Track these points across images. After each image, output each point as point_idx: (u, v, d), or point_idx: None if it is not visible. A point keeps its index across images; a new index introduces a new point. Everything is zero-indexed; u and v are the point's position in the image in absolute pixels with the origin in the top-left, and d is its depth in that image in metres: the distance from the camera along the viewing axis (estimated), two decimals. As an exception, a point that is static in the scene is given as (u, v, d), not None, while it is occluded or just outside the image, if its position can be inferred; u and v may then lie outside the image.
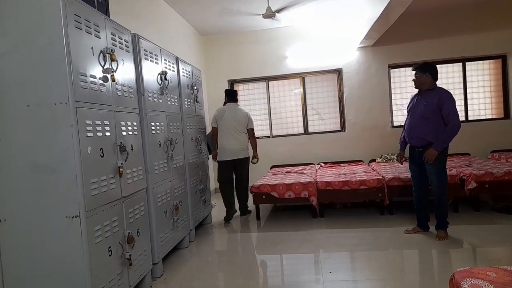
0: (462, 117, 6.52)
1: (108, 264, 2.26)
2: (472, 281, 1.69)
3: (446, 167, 4.81)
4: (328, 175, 5.09)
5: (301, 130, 6.99)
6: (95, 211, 2.15)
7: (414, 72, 3.62)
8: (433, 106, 3.46)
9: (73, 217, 2.01)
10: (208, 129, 5.46)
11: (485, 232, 3.70)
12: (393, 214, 4.51)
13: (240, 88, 7.18)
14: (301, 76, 6.92)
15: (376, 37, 5.93)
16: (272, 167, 6.62)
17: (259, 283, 3.00)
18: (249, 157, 5.00)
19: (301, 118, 7.00)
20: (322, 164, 6.34)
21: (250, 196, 4.90)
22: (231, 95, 5.06)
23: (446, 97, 3.46)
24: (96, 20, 2.32)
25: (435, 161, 3.46)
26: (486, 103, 6.59)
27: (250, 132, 4.95)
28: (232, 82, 7.10)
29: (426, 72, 3.53)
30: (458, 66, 6.57)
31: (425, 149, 3.52)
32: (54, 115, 2.00)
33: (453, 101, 3.46)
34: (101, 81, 2.31)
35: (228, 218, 4.86)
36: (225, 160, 4.84)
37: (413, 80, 3.64)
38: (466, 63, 6.54)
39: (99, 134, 2.24)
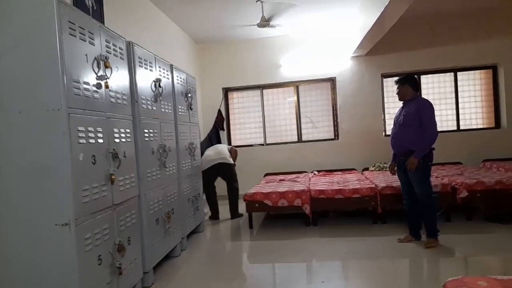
0: (454, 127, 6.62)
1: (97, 273, 2.23)
2: (463, 291, 1.70)
3: (438, 176, 4.89)
4: (322, 183, 5.10)
5: (295, 138, 7.01)
6: (86, 219, 2.13)
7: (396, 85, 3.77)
8: (412, 115, 3.58)
9: (63, 224, 1.98)
10: (202, 137, 5.73)
11: (476, 241, 3.72)
12: (385, 222, 4.51)
13: (234, 96, 7.20)
14: (295, 85, 6.96)
15: (369, 47, 6.00)
16: (266, 175, 6.62)
17: (252, 292, 2.98)
18: (232, 164, 5.39)
19: (295, 126, 7.02)
20: (316, 172, 6.35)
21: (243, 204, 4.88)
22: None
23: (423, 105, 3.56)
24: (91, 27, 2.33)
25: (416, 170, 3.52)
26: (478, 113, 6.67)
27: (231, 149, 5.57)
28: (226, 90, 7.12)
29: (405, 84, 3.68)
30: (450, 76, 6.66)
31: (408, 158, 3.58)
32: (47, 122, 1.99)
33: (431, 110, 3.55)
34: (94, 88, 2.30)
35: (213, 217, 5.36)
36: (207, 168, 5.18)
37: (397, 93, 3.78)
38: (458, 73, 6.63)
39: (92, 141, 2.23)
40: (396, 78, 3.84)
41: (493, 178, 4.42)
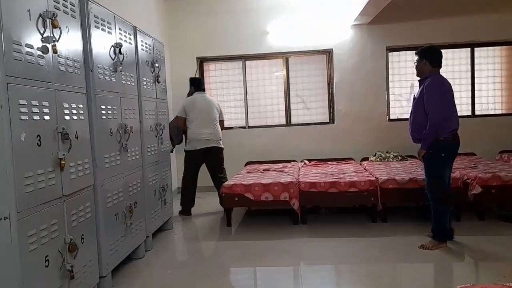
0: (468, 112, 6.74)
1: (44, 276, 2.21)
2: (473, 299, 1.76)
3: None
4: (313, 174, 5.16)
5: (283, 121, 7.04)
6: (29, 212, 2.09)
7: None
8: (419, 99, 3.65)
9: (1, 218, 1.95)
10: (172, 116, 5.66)
11: (489, 244, 3.85)
12: (386, 221, 4.61)
13: (211, 68, 7.13)
14: (285, 57, 6.94)
15: (374, 14, 6.01)
16: (247, 163, 6.63)
17: (229, 300, 3.02)
18: (222, 148, 5.41)
19: (283, 107, 7.03)
20: (306, 162, 6.41)
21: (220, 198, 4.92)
22: (198, 84, 5.54)
23: (427, 89, 3.58)
24: (35, -24, 2.25)
25: (425, 160, 3.66)
26: (496, 96, 6.82)
27: (222, 123, 5.51)
28: (201, 60, 7.04)
29: (423, 58, 3.69)
30: (465, 52, 6.75)
31: None
32: (-21, 92, 1.93)
33: (434, 94, 3.56)
34: (39, 52, 2.24)
35: (184, 212, 5.36)
36: (197, 149, 5.18)
37: (415, 67, 3.81)
38: (475, 49, 6.73)
39: (36, 117, 2.18)
40: (417, 50, 3.82)
41: (510, 173, 4.56)
